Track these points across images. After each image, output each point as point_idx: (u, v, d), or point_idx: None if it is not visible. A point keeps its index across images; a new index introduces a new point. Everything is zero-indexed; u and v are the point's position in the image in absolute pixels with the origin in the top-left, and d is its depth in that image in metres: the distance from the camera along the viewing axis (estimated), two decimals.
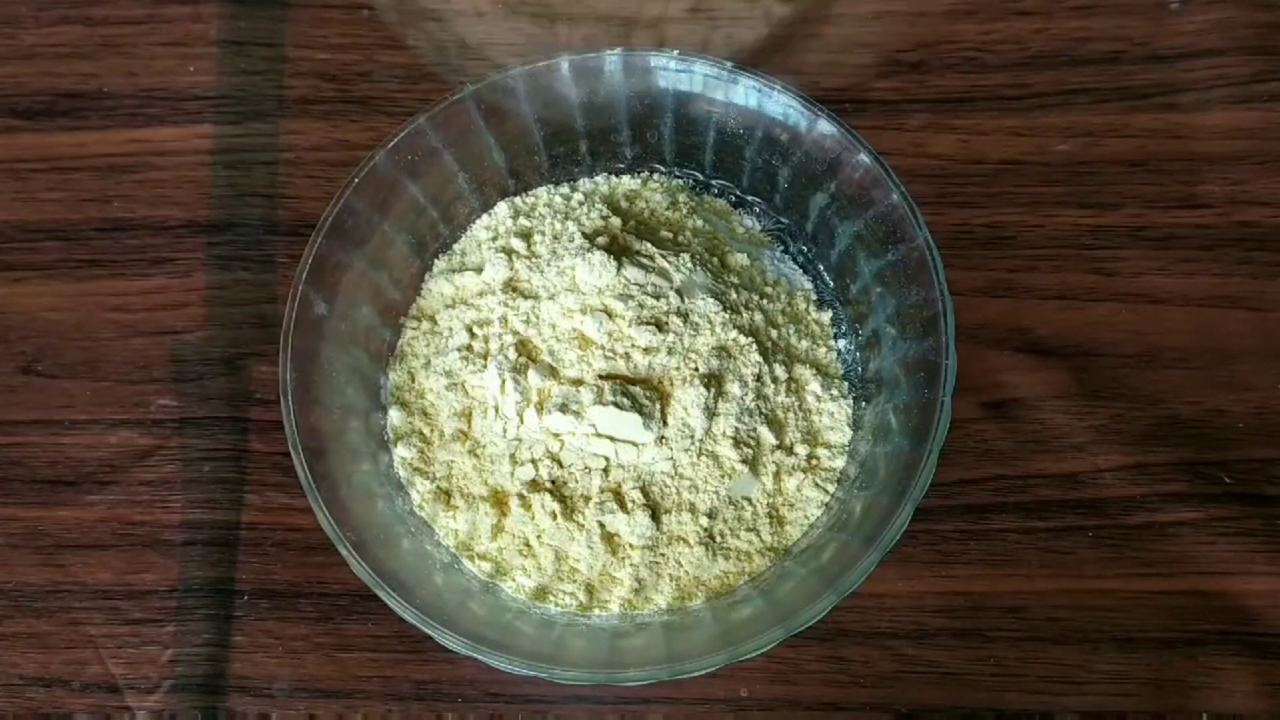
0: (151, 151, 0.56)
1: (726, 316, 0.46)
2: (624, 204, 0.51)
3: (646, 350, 0.45)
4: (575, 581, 0.46)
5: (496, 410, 0.46)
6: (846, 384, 0.49)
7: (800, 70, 0.56)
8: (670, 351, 0.45)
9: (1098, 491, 0.51)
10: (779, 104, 0.47)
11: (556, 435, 0.45)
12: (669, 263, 0.47)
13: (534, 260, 0.48)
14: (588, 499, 0.45)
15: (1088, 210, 0.55)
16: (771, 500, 0.47)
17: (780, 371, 0.47)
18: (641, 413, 0.44)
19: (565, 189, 0.52)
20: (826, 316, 0.50)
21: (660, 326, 0.45)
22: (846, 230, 0.49)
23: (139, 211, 0.55)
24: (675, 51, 0.48)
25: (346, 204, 0.47)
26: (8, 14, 0.58)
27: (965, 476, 0.52)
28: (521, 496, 0.45)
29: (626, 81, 0.49)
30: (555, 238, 0.49)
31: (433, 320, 0.50)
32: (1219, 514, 0.51)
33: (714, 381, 0.46)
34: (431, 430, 0.48)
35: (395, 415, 0.49)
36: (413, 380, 0.49)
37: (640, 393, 0.45)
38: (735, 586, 0.46)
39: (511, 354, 0.46)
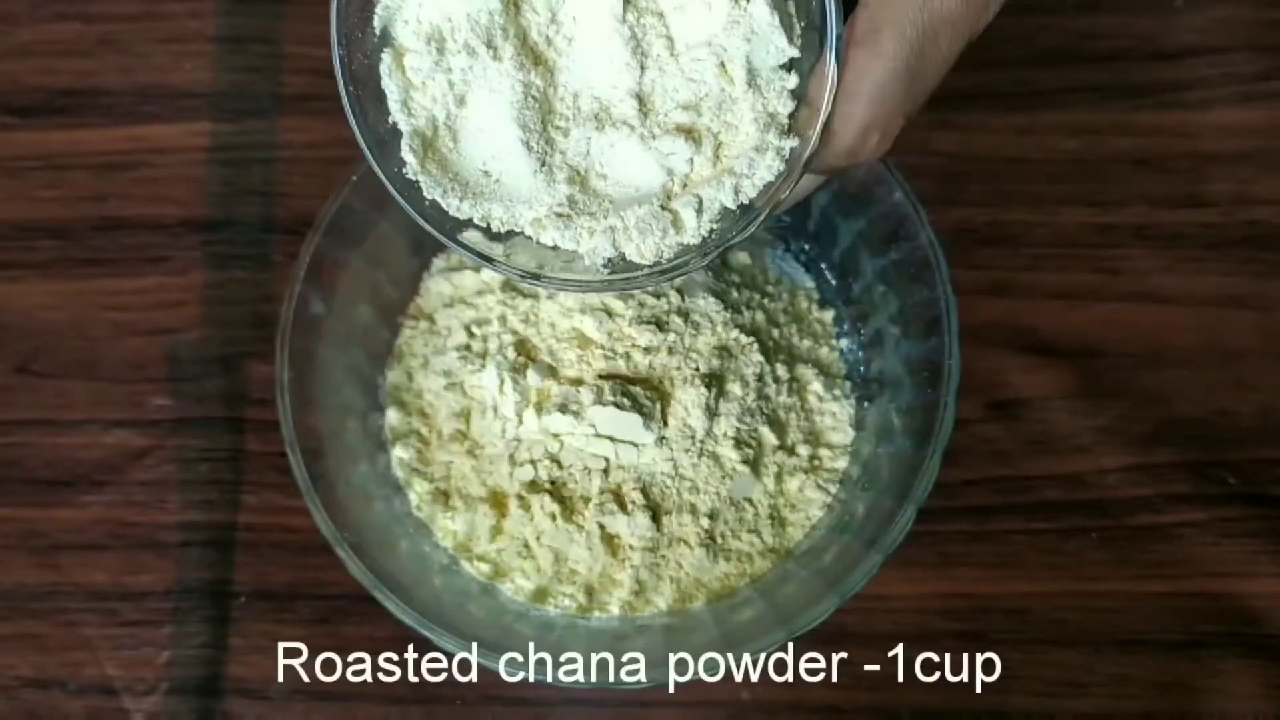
0: (148, 149, 0.56)
1: (728, 315, 0.46)
2: None
3: (647, 350, 0.45)
4: (575, 583, 0.45)
5: (495, 410, 0.45)
6: (849, 384, 0.49)
7: None
8: (671, 351, 0.45)
9: (1102, 492, 0.51)
10: None
11: (556, 436, 0.44)
12: None
13: None
14: (587, 500, 0.45)
15: (1092, 209, 0.54)
16: (773, 501, 0.46)
17: (782, 371, 0.47)
18: (642, 413, 0.44)
19: None
20: (829, 316, 0.50)
21: (661, 326, 0.45)
22: (849, 229, 0.49)
23: (135, 210, 0.55)
24: None
25: (345, 202, 0.47)
26: (3, 10, 0.57)
27: (968, 477, 0.51)
28: (520, 497, 0.45)
29: None
30: None
31: (431, 319, 0.50)
32: (1224, 515, 0.51)
33: (715, 381, 0.45)
34: (430, 431, 0.48)
35: (393, 415, 0.48)
36: (411, 380, 0.49)
37: (640, 393, 0.44)
38: (736, 588, 0.46)
39: (510, 353, 0.45)
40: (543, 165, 0.33)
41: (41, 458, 0.52)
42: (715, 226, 0.33)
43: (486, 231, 0.34)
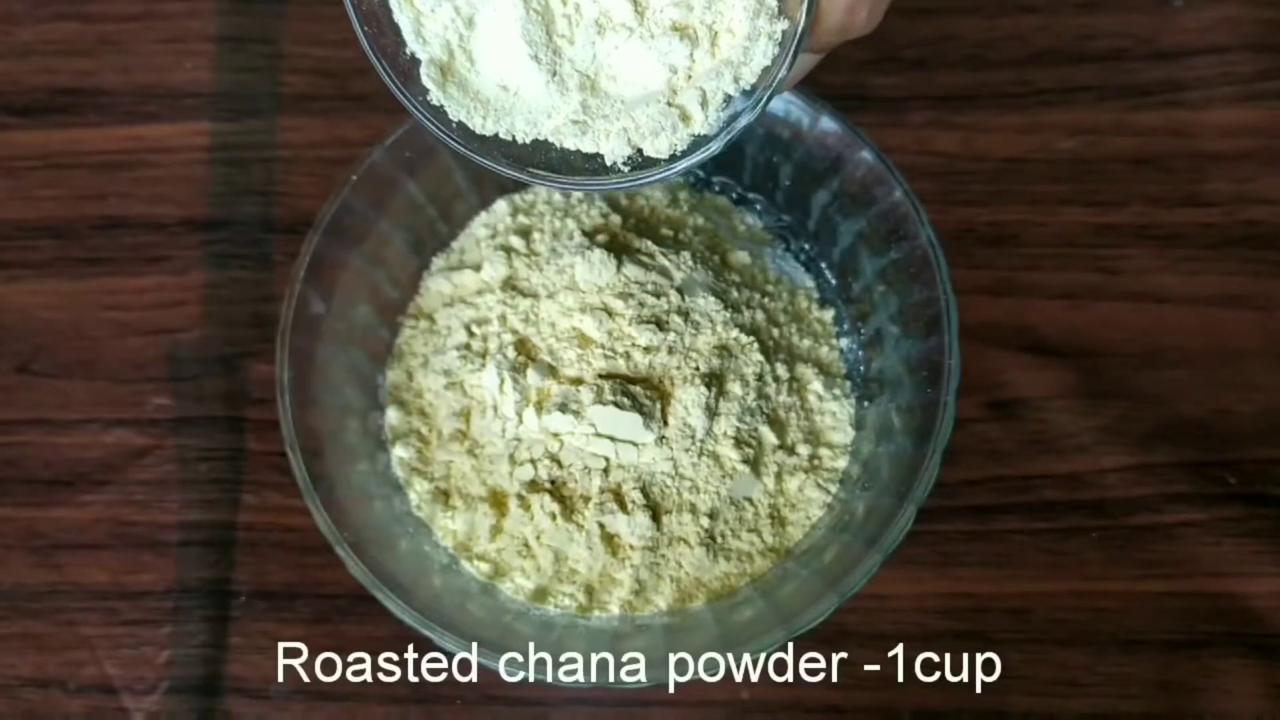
0: (148, 149, 0.56)
1: (728, 315, 0.46)
2: (624, 201, 0.50)
3: (647, 349, 0.45)
4: (575, 583, 0.45)
5: (495, 410, 0.45)
6: (849, 383, 0.49)
7: None
8: (671, 350, 0.45)
9: (1102, 492, 0.51)
10: (780, 100, 0.47)
11: (556, 435, 0.44)
12: (669, 261, 0.47)
13: (533, 258, 0.48)
14: (587, 499, 0.45)
15: (1092, 209, 0.54)
16: (773, 501, 0.46)
17: (782, 371, 0.47)
18: (642, 412, 0.44)
19: None
20: (829, 315, 0.50)
21: (661, 325, 0.45)
22: (849, 228, 0.49)
23: (135, 209, 0.55)
24: None
25: (345, 202, 0.47)
26: (3, 10, 0.57)
27: (968, 477, 0.51)
28: (520, 497, 0.45)
29: None
30: (555, 235, 0.48)
31: (431, 319, 0.50)
32: (1224, 515, 0.51)
33: (715, 381, 0.45)
34: (430, 430, 0.48)
35: (393, 415, 0.48)
36: (411, 379, 0.49)
37: (640, 392, 0.44)
38: (736, 588, 0.46)
39: (510, 353, 0.45)
40: (554, 76, 0.34)
41: (41, 457, 0.52)
42: (722, 115, 0.34)
43: (513, 144, 0.35)
